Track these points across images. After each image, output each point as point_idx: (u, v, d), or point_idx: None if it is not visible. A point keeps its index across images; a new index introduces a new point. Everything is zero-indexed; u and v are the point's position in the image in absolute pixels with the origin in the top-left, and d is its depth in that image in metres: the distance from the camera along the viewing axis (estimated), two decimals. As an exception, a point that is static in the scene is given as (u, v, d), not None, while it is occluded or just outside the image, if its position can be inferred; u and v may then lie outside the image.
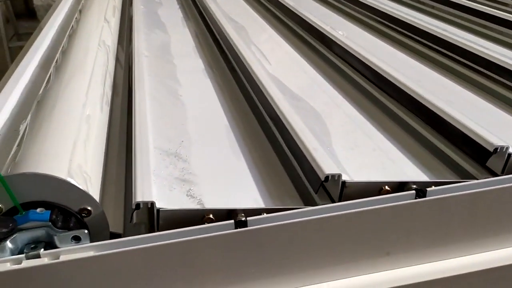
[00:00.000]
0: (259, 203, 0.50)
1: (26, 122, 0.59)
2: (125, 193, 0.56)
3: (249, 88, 0.79)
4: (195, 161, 0.56)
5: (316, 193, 0.50)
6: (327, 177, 0.48)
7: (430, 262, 0.48)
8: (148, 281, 0.44)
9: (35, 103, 0.64)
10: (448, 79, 0.76)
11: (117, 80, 0.87)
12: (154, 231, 0.49)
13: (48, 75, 0.73)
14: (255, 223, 0.45)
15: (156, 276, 0.44)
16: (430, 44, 0.87)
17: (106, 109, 0.69)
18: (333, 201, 0.50)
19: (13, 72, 0.78)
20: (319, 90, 0.76)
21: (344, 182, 0.48)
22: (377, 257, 0.47)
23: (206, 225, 0.45)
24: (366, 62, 0.76)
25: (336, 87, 0.77)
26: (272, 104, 0.64)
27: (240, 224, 0.45)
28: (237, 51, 0.87)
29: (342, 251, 0.47)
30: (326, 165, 0.49)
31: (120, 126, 0.75)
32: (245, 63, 0.80)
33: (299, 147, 0.54)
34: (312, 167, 0.50)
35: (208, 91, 0.79)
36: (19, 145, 0.53)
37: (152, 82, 0.77)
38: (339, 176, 0.48)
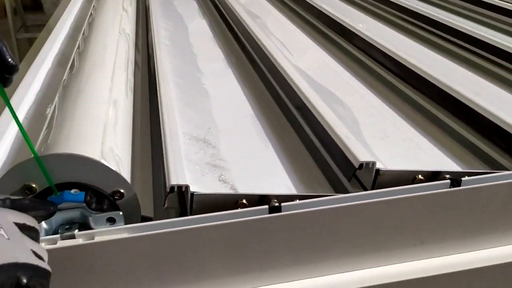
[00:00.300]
0: (291, 190, 0.50)
1: (53, 105, 0.59)
2: (153, 178, 0.56)
3: (270, 78, 0.78)
4: (224, 147, 0.55)
5: (349, 181, 0.49)
6: (361, 165, 0.47)
7: (465, 252, 0.48)
8: (182, 264, 0.44)
9: (60, 87, 0.64)
10: (472, 73, 0.75)
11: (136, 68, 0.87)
12: (184, 216, 0.49)
13: (71, 60, 0.73)
14: (289, 209, 0.45)
15: (191, 259, 0.43)
16: (454, 40, 0.87)
17: (130, 95, 0.69)
18: (365, 189, 0.50)
19: (34, 58, 0.77)
20: (342, 81, 0.75)
21: (378, 170, 0.48)
22: (411, 246, 0.47)
23: (241, 209, 0.44)
24: (390, 54, 0.76)
25: (360, 79, 0.76)
26: (299, 93, 0.64)
27: (274, 209, 0.45)
28: (258, 41, 0.86)
29: (376, 239, 0.46)
30: (360, 153, 0.48)
31: (141, 113, 0.75)
32: (267, 54, 0.80)
33: (330, 136, 0.53)
34: (344, 155, 0.50)
35: (230, 80, 0.78)
36: (48, 128, 0.53)
37: (174, 70, 0.77)
38: (374, 163, 0.48)
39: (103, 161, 0.45)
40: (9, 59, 0.38)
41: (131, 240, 0.42)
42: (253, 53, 0.90)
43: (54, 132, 0.50)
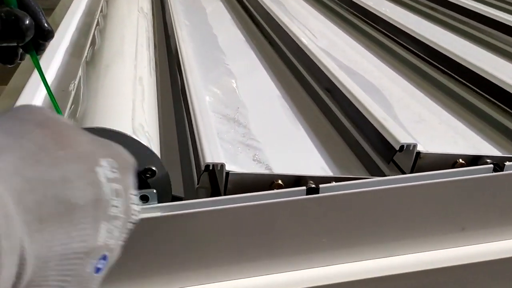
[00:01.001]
0: (327, 172, 0.48)
1: (77, 81, 0.57)
2: (180, 157, 0.55)
3: (294, 59, 0.77)
4: (255, 127, 0.54)
5: (388, 163, 0.48)
6: (401, 147, 0.46)
7: (507, 239, 0.46)
8: (217, 246, 0.42)
9: (83, 63, 0.62)
10: (505, 60, 0.73)
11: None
12: (216, 195, 0.47)
13: (91, 37, 0.71)
14: (326, 191, 0.43)
15: (227, 241, 0.42)
16: (482, 26, 0.84)
17: (153, 73, 0.67)
18: (403, 173, 0.48)
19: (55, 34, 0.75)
20: (369, 65, 0.73)
21: (418, 153, 0.46)
22: (451, 232, 0.45)
23: (278, 190, 0.43)
24: (419, 38, 0.74)
25: (386, 63, 0.74)
26: (329, 75, 0.62)
27: (311, 191, 0.43)
28: (281, 23, 0.84)
29: (415, 224, 0.45)
30: (400, 135, 0.46)
31: (161, 93, 0.73)
32: (292, 36, 0.78)
33: (365, 118, 0.52)
34: (382, 137, 0.48)
35: (253, 62, 0.76)
36: (74, 103, 0.51)
37: (196, 50, 0.75)
38: (415, 146, 0.46)
39: (135, 137, 0.43)
40: (45, 24, 0.36)
41: (165, 219, 0.40)
42: (273, 35, 0.88)
43: (81, 107, 0.48)
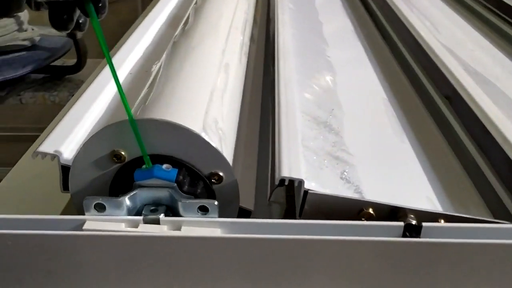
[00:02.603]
0: (435, 205, 0.38)
1: (160, 62, 0.52)
2: (258, 161, 0.47)
3: (408, 57, 0.65)
4: (349, 135, 0.45)
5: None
6: (544, 188, 0.34)
7: None
8: (282, 277, 0.34)
9: (170, 43, 0.57)
10: None
11: (253, 31, 0.79)
12: (290, 213, 0.39)
13: (186, 16, 0.66)
14: (431, 233, 0.33)
15: (294, 275, 0.34)
16: None
17: (244, 60, 0.60)
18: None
19: (148, 13, 0.72)
20: (504, 72, 0.59)
21: None
22: None
23: (367, 222, 0.34)
24: None
25: (527, 70, 0.60)
26: (451, 79, 0.50)
27: (411, 228, 0.34)
28: (397, 11, 0.73)
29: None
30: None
31: (252, 82, 0.66)
32: (408, 27, 0.66)
33: (495, 139, 0.40)
34: (517, 169, 0.36)
35: (359, 56, 0.66)
36: (150, 87, 0.46)
37: (296, 37, 0.67)
38: None
39: (203, 135, 0.37)
40: None
41: (225, 241, 0.33)
42: (387, 25, 0.77)
43: (154, 92, 0.43)
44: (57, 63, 1.11)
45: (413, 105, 0.54)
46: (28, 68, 1.02)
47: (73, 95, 1.00)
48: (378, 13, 0.83)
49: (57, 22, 0.37)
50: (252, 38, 0.75)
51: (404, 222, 0.34)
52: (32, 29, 1.09)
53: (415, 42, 0.62)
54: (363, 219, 0.36)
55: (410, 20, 0.68)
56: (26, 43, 1.05)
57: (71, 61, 1.14)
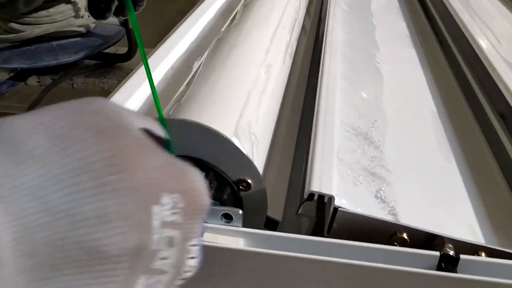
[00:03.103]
0: (477, 236, 0.35)
1: (202, 59, 0.51)
2: (291, 171, 0.46)
3: (465, 68, 0.61)
4: (390, 150, 0.42)
5: None
6: None
7: None
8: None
9: (215, 39, 0.56)
10: None
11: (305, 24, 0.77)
12: (319, 229, 0.38)
13: (234, 13, 0.65)
14: (469, 268, 0.30)
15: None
16: None
17: (289, 61, 0.58)
18: None
19: (196, 8, 0.72)
20: None
21: None
22: None
23: (400, 248, 0.31)
24: None
25: None
26: (508, 97, 0.46)
27: (447, 259, 0.31)
28: (457, 19, 0.68)
29: None
30: None
31: (296, 85, 0.65)
32: (468, 37, 0.62)
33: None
34: None
35: (411, 63, 0.63)
36: (188, 84, 0.45)
37: (346, 40, 0.64)
38: None
39: (234, 140, 0.36)
40: None
41: (246, 254, 0.32)
42: (445, 32, 0.73)
43: (191, 91, 0.42)
44: (110, 50, 1.14)
45: (465, 122, 0.51)
46: (81, 54, 1.04)
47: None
48: (438, 19, 0.79)
49: (95, 10, 0.37)
50: (304, 31, 0.73)
51: (440, 251, 0.32)
52: (88, 16, 1.11)
53: (474, 53, 0.58)
54: (396, 243, 0.34)
55: (470, 28, 0.63)
56: (81, 29, 1.08)
57: (123, 49, 1.16)
